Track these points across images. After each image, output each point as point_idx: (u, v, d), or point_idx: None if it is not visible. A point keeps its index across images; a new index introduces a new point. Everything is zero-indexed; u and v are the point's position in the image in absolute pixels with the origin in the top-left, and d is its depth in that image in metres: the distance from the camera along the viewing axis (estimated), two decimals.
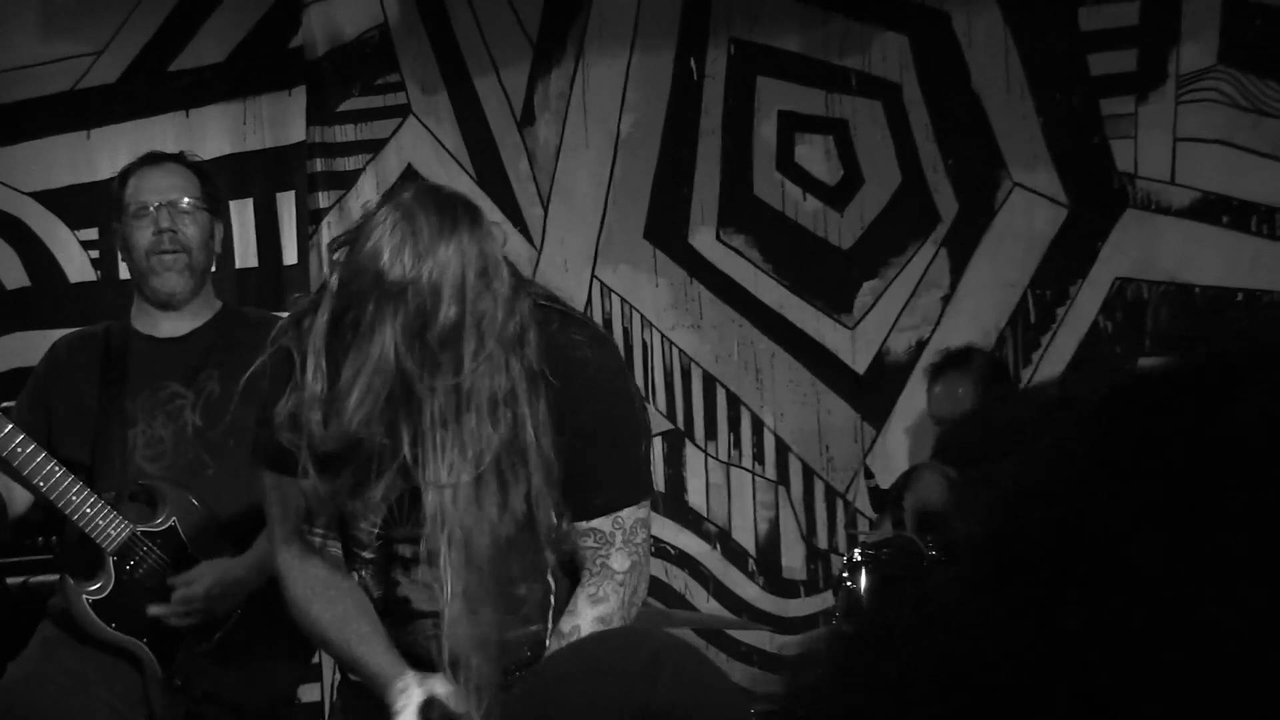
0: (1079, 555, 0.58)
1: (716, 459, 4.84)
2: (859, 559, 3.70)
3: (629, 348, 4.82)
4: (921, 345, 4.66)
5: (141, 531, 3.05)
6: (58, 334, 3.43)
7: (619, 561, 2.24)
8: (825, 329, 4.75)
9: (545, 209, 4.96)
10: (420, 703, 2.16)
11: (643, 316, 4.86)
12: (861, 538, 4.45)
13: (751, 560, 4.81)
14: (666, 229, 4.87)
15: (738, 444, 4.82)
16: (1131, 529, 0.57)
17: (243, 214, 5.11)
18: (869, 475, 4.68)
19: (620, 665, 1.35)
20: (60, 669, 3.09)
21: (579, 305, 4.43)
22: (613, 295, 4.87)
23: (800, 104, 4.76)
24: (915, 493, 4.19)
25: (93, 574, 3.06)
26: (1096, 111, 4.50)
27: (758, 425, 4.80)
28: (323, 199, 5.14)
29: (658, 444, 4.80)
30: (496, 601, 2.18)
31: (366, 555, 2.30)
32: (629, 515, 2.24)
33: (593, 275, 4.90)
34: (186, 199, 3.19)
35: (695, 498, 4.85)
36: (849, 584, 3.69)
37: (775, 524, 4.79)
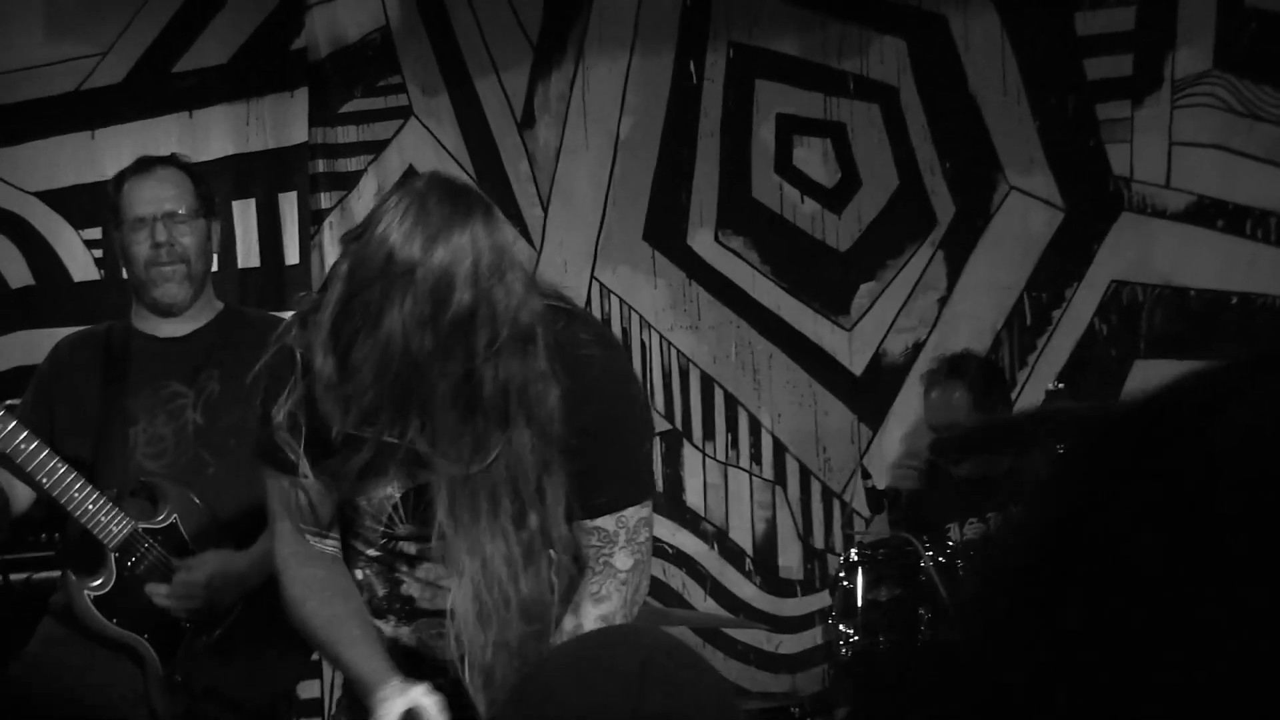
0: (1079, 555, 0.58)
1: (714, 459, 4.85)
2: (855, 559, 3.72)
3: (627, 348, 4.83)
4: (918, 347, 4.68)
5: (143, 528, 3.06)
6: (61, 332, 3.45)
7: (622, 560, 2.23)
8: (822, 330, 4.76)
9: (545, 210, 4.97)
10: (401, 713, 2.14)
11: (641, 317, 4.88)
12: (858, 538, 4.49)
13: (748, 559, 4.83)
14: (665, 230, 4.88)
15: (735, 444, 4.84)
16: (1131, 529, 0.57)
17: (245, 214, 5.12)
18: (866, 476, 4.70)
19: (609, 671, 1.33)
20: (61, 665, 3.10)
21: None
22: (612, 296, 4.89)
23: (799, 107, 4.77)
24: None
25: (95, 570, 3.07)
26: (1092, 115, 4.52)
27: (755, 426, 4.82)
28: (324, 199, 5.16)
29: (655, 444, 4.81)
30: (505, 600, 2.17)
31: (371, 554, 2.29)
32: (632, 514, 2.23)
33: (592, 276, 4.91)
34: (182, 208, 3.18)
35: (693, 497, 4.86)
36: (845, 584, 3.71)
37: (772, 524, 4.81)
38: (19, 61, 5.22)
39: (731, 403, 4.84)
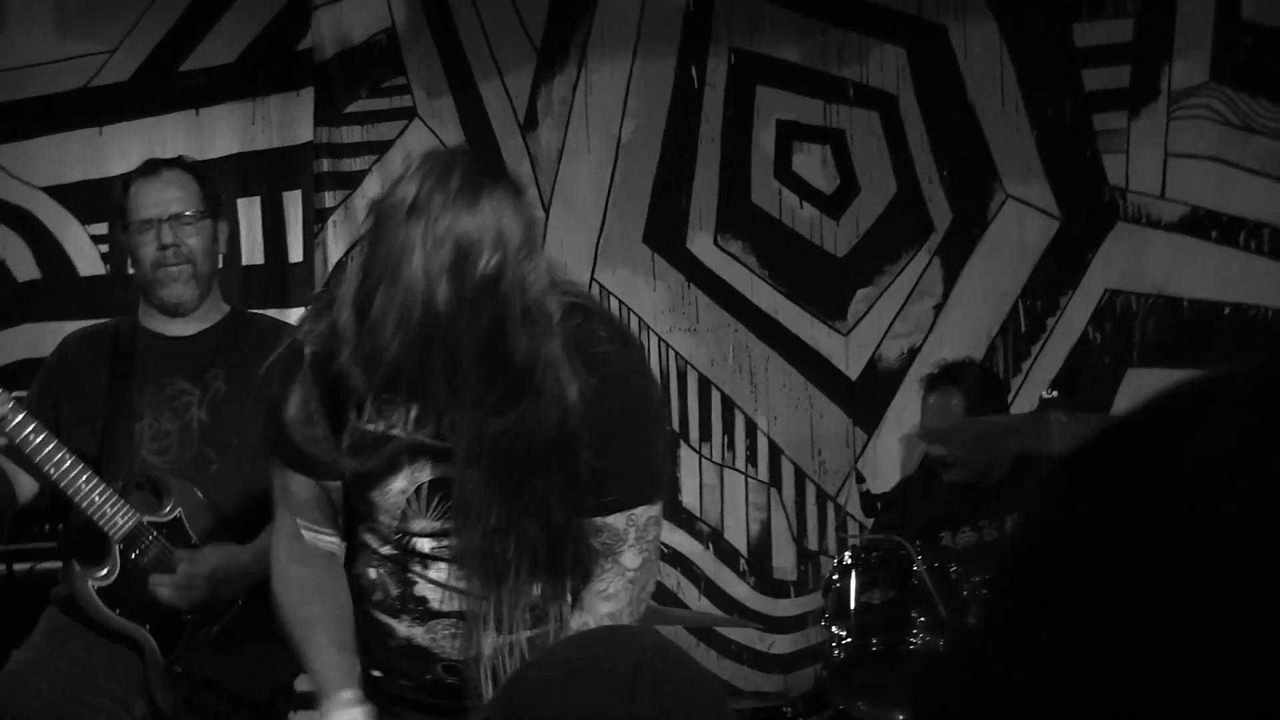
0: (1079, 556, 0.58)
1: (710, 460, 4.86)
2: (849, 561, 3.74)
3: None
4: (913, 353, 4.70)
5: (148, 520, 3.09)
6: (67, 326, 3.48)
7: (630, 559, 2.21)
8: (819, 335, 4.78)
9: (546, 212, 4.98)
10: None
11: (640, 319, 4.89)
12: (851, 541, 4.51)
13: (743, 560, 4.85)
14: (665, 234, 4.90)
15: (731, 446, 4.85)
16: (1132, 529, 0.57)
17: (250, 212, 5.14)
18: (860, 480, 4.73)
19: (601, 672, 1.32)
20: (64, 655, 3.12)
21: None
22: (611, 298, 4.89)
23: (799, 113, 4.79)
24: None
25: (99, 560, 3.09)
26: (1089, 126, 4.54)
27: (751, 428, 4.84)
28: (329, 199, 5.17)
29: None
30: (518, 599, 2.17)
31: (385, 551, 2.27)
32: (642, 513, 2.21)
33: (592, 278, 4.91)
34: (188, 210, 3.21)
35: (689, 498, 4.88)
36: (838, 585, 3.73)
37: (767, 525, 4.83)
38: (28, 58, 5.25)
39: (728, 405, 4.86)
